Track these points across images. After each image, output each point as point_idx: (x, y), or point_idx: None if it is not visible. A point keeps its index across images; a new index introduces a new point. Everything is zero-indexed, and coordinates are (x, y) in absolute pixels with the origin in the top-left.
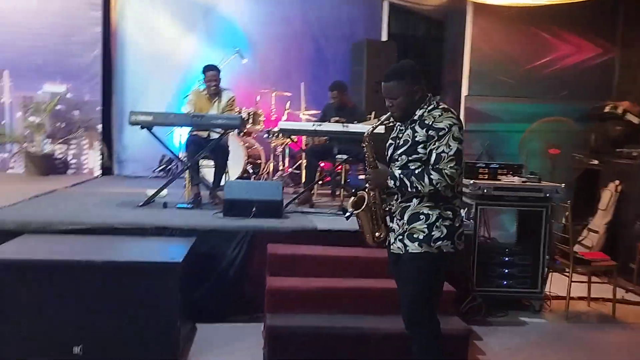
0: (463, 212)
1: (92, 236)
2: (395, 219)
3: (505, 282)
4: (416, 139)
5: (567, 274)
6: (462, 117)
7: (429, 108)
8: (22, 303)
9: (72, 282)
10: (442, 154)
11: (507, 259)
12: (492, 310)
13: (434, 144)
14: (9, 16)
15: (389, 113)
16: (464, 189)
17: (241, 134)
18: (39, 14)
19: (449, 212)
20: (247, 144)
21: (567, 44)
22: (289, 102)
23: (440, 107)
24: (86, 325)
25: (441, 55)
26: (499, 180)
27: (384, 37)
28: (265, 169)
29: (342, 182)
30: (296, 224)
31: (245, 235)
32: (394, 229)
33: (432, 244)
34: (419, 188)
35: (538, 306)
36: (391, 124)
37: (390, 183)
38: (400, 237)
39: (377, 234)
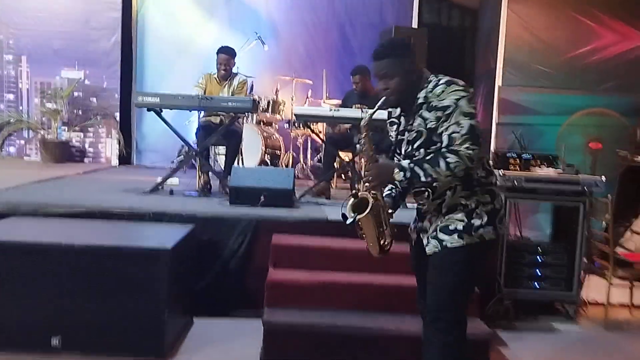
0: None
1: (85, 220)
2: (427, 218)
3: (536, 284)
4: (428, 126)
5: (606, 277)
6: (495, 108)
7: (431, 86)
8: None
9: (49, 268)
10: (454, 135)
11: (539, 258)
12: (521, 314)
13: (443, 125)
14: (26, 1)
15: (383, 98)
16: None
17: (260, 122)
18: None
19: (487, 196)
20: (265, 134)
21: (611, 31)
22: (310, 90)
23: (441, 81)
24: (66, 314)
25: (474, 45)
26: (532, 171)
27: (414, 25)
28: (283, 160)
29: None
30: (305, 214)
31: (249, 224)
32: (425, 228)
33: (473, 233)
34: (434, 176)
35: (572, 312)
36: (389, 110)
37: (399, 176)
38: (434, 233)
39: (382, 241)
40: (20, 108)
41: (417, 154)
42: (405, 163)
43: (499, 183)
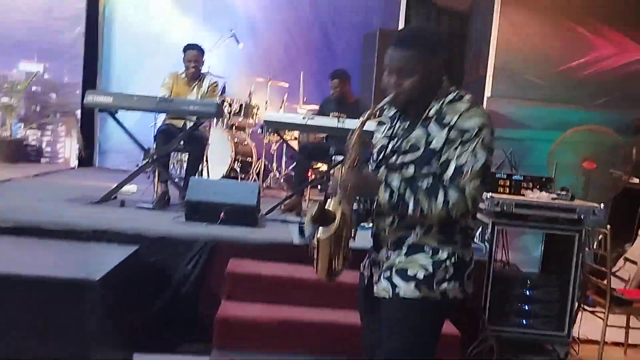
0: (476, 232)
1: (10, 238)
2: (384, 249)
3: (524, 321)
4: (431, 144)
5: (600, 314)
6: None
7: (449, 99)
8: None
9: None
10: (465, 167)
11: (528, 292)
12: (507, 355)
13: (455, 150)
14: None
15: (391, 96)
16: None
17: (232, 127)
18: None
19: (467, 250)
20: (236, 139)
21: (609, 43)
22: (286, 94)
23: (466, 98)
24: None
25: (463, 52)
26: (523, 195)
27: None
28: (255, 169)
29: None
30: (269, 236)
31: (203, 246)
32: (379, 262)
33: (434, 287)
34: (426, 211)
35: (563, 353)
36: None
37: (384, 196)
38: (388, 273)
39: (334, 265)
40: None
41: (405, 170)
42: (395, 182)
43: (487, 207)
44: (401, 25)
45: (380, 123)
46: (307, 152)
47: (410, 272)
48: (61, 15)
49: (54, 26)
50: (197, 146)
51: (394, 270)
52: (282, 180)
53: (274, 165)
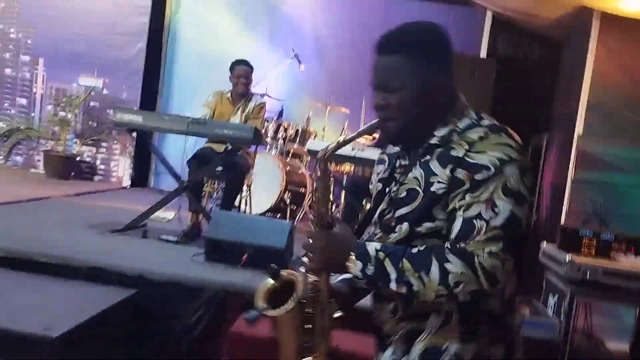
0: (552, 301)
1: None
2: (389, 349)
3: None
4: (432, 187)
5: None
6: (572, 162)
7: (464, 125)
8: None
9: None
10: (477, 222)
11: None
12: None
13: (463, 198)
14: None
15: (375, 121)
16: (556, 267)
17: (287, 153)
18: None
19: (500, 346)
20: (289, 167)
21: None
22: (347, 121)
23: (483, 123)
24: None
25: (554, 84)
26: (613, 259)
27: (483, 55)
28: (308, 201)
29: None
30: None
31: (213, 295)
32: None
33: None
34: (415, 287)
35: None
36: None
37: (355, 268)
38: None
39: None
40: (32, 114)
41: (397, 226)
42: (373, 247)
43: (565, 273)
44: (484, 51)
45: (381, 161)
46: (356, 190)
47: None
48: (124, 30)
49: (116, 41)
50: (234, 174)
51: None
52: (340, 215)
53: (331, 197)
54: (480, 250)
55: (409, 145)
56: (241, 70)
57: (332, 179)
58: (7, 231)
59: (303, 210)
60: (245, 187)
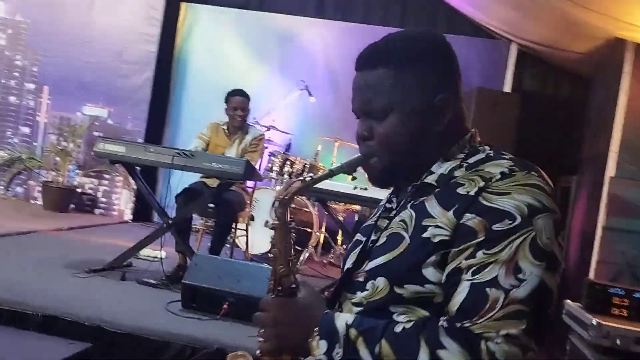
0: None
1: None
2: None
3: None
4: (425, 232)
5: None
6: (602, 207)
7: (475, 159)
8: None
9: None
10: (492, 290)
11: None
12: None
13: (472, 254)
14: (55, 24)
15: (356, 157)
16: (580, 331)
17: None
18: (89, 25)
19: None
20: (295, 205)
21: None
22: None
23: (499, 157)
24: None
25: (583, 122)
26: None
27: (507, 89)
28: (313, 242)
29: None
30: None
31: (181, 350)
32: None
33: None
34: None
35: None
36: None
37: (317, 351)
38: None
39: None
40: (35, 144)
41: (367, 284)
42: (341, 322)
43: (591, 338)
44: (508, 85)
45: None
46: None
47: None
48: (131, 59)
49: (122, 70)
50: (225, 212)
51: None
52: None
53: (339, 238)
54: (492, 333)
55: (398, 186)
56: (237, 102)
57: (292, 228)
58: None
59: (307, 252)
60: (243, 226)
